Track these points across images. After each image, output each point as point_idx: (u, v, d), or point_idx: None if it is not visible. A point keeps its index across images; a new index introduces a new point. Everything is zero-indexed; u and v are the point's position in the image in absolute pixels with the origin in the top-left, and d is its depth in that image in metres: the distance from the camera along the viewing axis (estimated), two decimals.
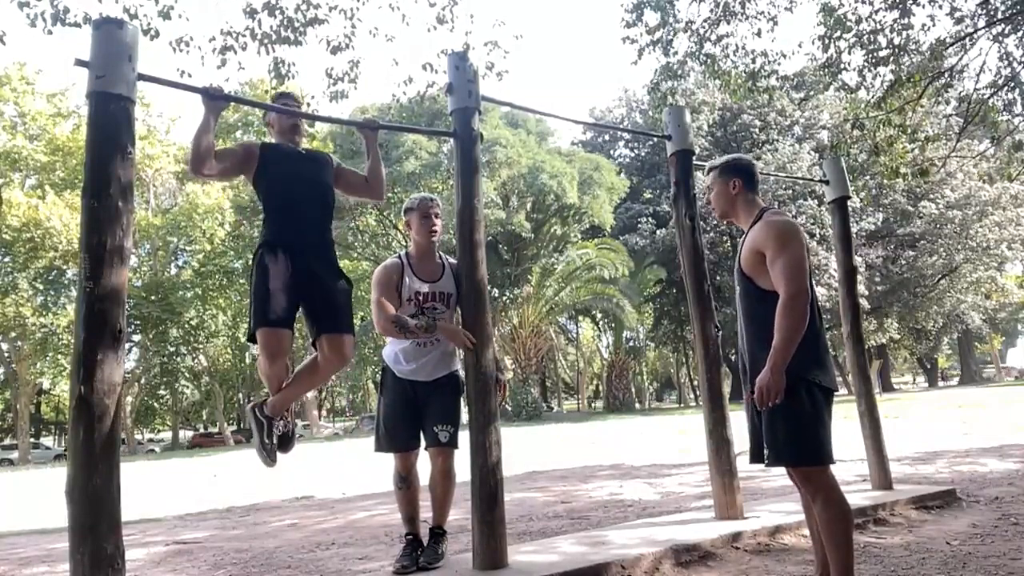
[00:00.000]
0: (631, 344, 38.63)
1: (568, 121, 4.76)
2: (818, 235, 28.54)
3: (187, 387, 39.13)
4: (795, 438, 2.41)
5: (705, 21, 8.61)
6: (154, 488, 11.13)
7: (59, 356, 29.26)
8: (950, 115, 18.06)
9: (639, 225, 33.38)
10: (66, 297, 29.82)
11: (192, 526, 6.03)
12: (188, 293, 32.79)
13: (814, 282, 2.71)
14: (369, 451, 3.88)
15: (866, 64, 8.74)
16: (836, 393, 2.53)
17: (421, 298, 3.24)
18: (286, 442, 3.17)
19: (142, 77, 2.54)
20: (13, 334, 30.04)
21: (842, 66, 8.80)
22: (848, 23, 8.39)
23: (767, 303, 2.47)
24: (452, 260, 3.38)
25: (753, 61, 8.82)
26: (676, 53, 8.75)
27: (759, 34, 8.63)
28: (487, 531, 2.99)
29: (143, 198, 34.15)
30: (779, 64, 8.87)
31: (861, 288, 28.05)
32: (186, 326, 32.64)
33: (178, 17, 6.62)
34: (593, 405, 54.58)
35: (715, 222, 29.38)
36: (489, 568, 2.96)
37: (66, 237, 27.57)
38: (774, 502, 4.57)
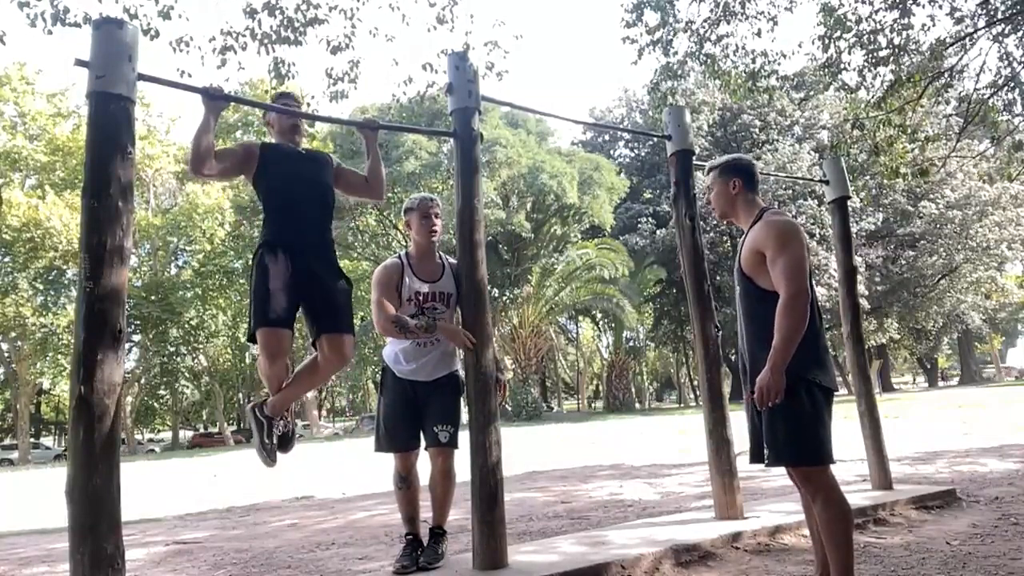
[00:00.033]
0: (631, 344, 38.64)
1: (568, 121, 4.76)
2: (818, 235, 28.54)
3: (187, 387, 39.14)
4: (795, 438, 2.41)
5: (705, 21, 8.61)
6: (154, 488, 11.13)
7: (59, 356, 29.27)
8: (950, 115, 18.06)
9: (639, 225, 33.39)
10: (66, 297, 29.82)
11: (192, 526, 6.02)
12: (188, 293, 32.80)
13: (814, 282, 2.71)
14: (369, 451, 3.88)
15: (866, 64, 8.74)
16: (836, 393, 2.54)
17: (421, 298, 3.24)
18: (286, 442, 3.17)
19: (142, 77, 2.54)
20: (13, 334, 30.05)
21: (842, 66, 8.80)
22: (848, 23, 8.39)
23: (767, 303, 2.47)
24: (452, 260, 3.38)
25: (753, 61, 8.82)
26: (676, 53, 8.75)
27: (759, 34, 8.63)
28: (487, 531, 2.99)
29: (143, 198, 34.15)
30: (779, 64, 8.87)
31: (861, 288, 28.05)
32: (186, 326, 32.65)
33: (178, 17, 6.63)
34: (593, 405, 54.58)
35: (715, 222, 29.38)
36: (489, 568, 2.96)
37: (66, 237, 27.58)
38: (774, 502, 4.57)
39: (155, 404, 41.22)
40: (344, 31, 7.22)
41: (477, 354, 3.11)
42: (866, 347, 6.01)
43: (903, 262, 32.25)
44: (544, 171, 27.35)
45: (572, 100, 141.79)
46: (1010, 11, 8.19)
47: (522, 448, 12.54)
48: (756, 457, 2.60)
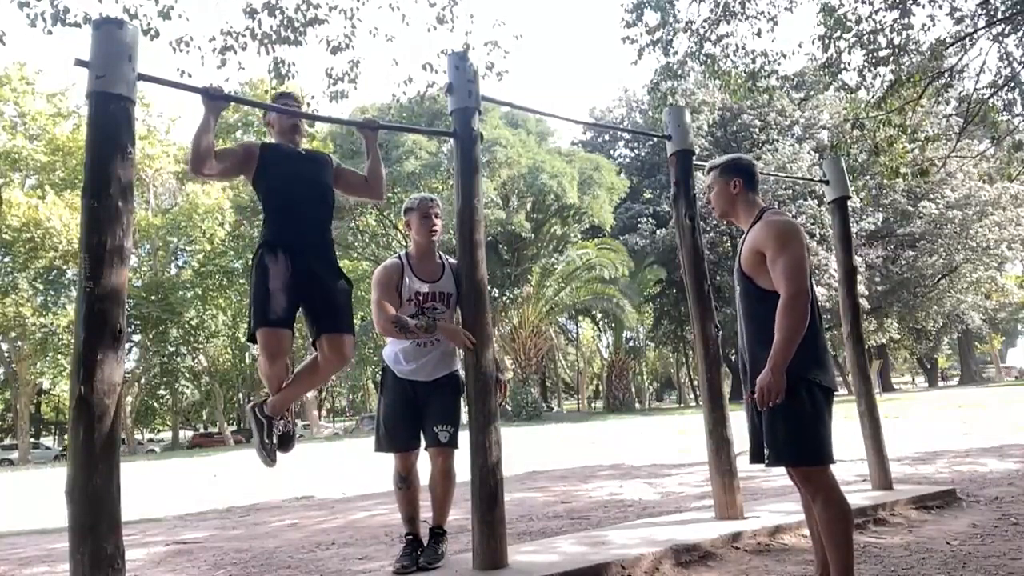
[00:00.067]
0: (631, 344, 38.64)
1: (568, 121, 4.76)
2: (818, 235, 28.54)
3: (187, 387, 39.14)
4: (795, 438, 2.41)
5: (705, 21, 8.61)
6: (154, 488, 11.13)
7: (59, 356, 29.28)
8: (950, 115, 18.06)
9: (639, 225, 33.39)
10: (66, 297, 29.83)
11: (192, 526, 6.02)
12: (188, 293, 32.81)
13: (814, 282, 2.71)
14: (369, 451, 3.88)
15: (866, 64, 8.74)
16: (836, 393, 2.54)
17: (421, 298, 3.24)
18: (286, 442, 3.17)
19: (142, 77, 2.54)
20: (13, 334, 30.05)
21: (842, 66, 8.80)
22: (848, 23, 8.39)
23: (767, 303, 2.47)
24: (452, 260, 3.38)
25: (753, 61, 8.82)
26: (676, 53, 8.75)
27: (759, 34, 8.63)
28: (487, 531, 2.99)
29: (143, 198, 34.16)
30: (779, 64, 8.87)
31: (861, 288, 28.05)
32: (186, 326, 32.65)
33: (178, 17, 6.63)
34: (593, 405, 54.59)
35: (715, 222, 29.39)
36: (489, 568, 2.96)
37: (66, 237, 27.58)
38: (774, 502, 4.57)
39: (155, 404, 41.23)
40: (344, 31, 7.22)
41: (477, 354, 3.11)
42: (866, 347, 6.01)
43: (903, 262, 32.26)
44: (544, 171, 27.35)
45: (572, 100, 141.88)
46: (1010, 11, 8.19)
47: (522, 448, 12.54)
48: (756, 457, 2.60)
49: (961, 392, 27.47)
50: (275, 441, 3.09)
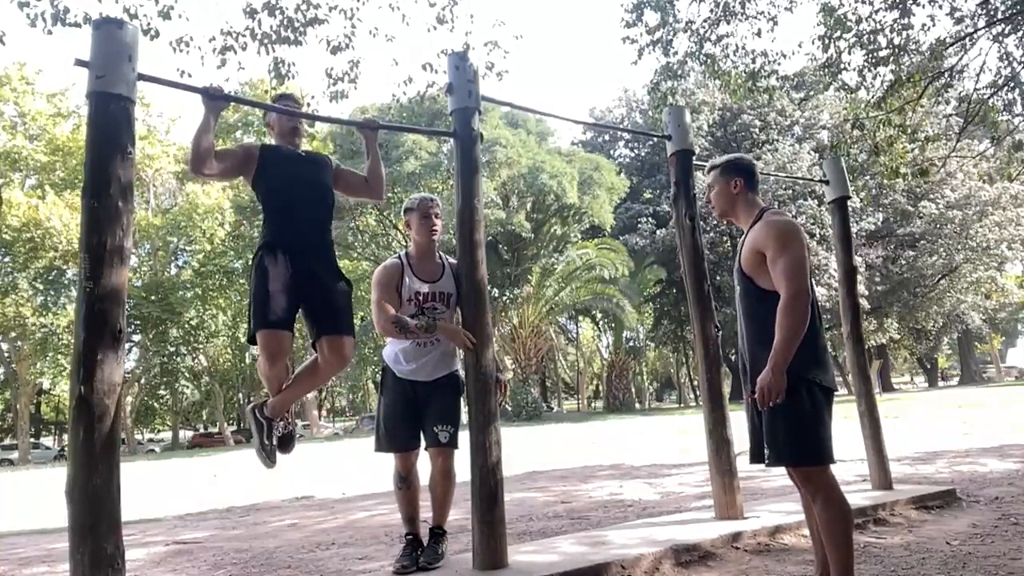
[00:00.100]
0: (631, 344, 38.64)
1: (568, 121, 4.76)
2: (818, 235, 28.55)
3: (187, 387, 39.14)
4: (795, 438, 2.41)
5: (705, 21, 8.61)
6: (154, 488, 11.13)
7: (59, 356, 29.27)
8: (950, 115, 18.06)
9: (639, 225, 33.39)
10: (66, 297, 29.83)
11: (192, 526, 6.03)
12: (188, 293, 32.80)
13: (814, 282, 2.71)
14: (369, 451, 3.88)
15: (866, 64, 8.74)
16: (836, 393, 2.54)
17: (421, 298, 3.24)
18: (287, 443, 3.17)
19: (142, 77, 2.54)
20: (13, 334, 30.05)
21: (842, 66, 8.80)
22: (848, 23, 8.39)
23: (767, 303, 2.47)
24: (452, 260, 3.38)
25: (753, 61, 8.82)
26: (676, 53, 8.75)
27: (759, 34, 8.63)
28: (487, 531, 2.99)
29: (143, 198, 34.16)
30: (779, 64, 8.87)
31: (861, 288, 28.05)
32: (186, 326, 32.65)
33: (178, 17, 6.63)
34: (593, 405, 54.59)
35: (715, 222, 29.38)
36: (489, 568, 2.96)
37: (66, 237, 27.58)
38: (774, 502, 4.57)
39: (155, 404, 41.22)
40: (344, 31, 7.22)
41: (477, 354, 3.11)
42: (866, 347, 6.01)
43: (903, 262, 32.26)
44: (544, 171, 27.36)
45: (572, 100, 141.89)
46: (1010, 11, 8.19)
47: (522, 448, 12.54)
48: (756, 457, 2.60)
49: (961, 392, 27.47)
50: (275, 442, 3.09)
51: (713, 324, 4.08)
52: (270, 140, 3.28)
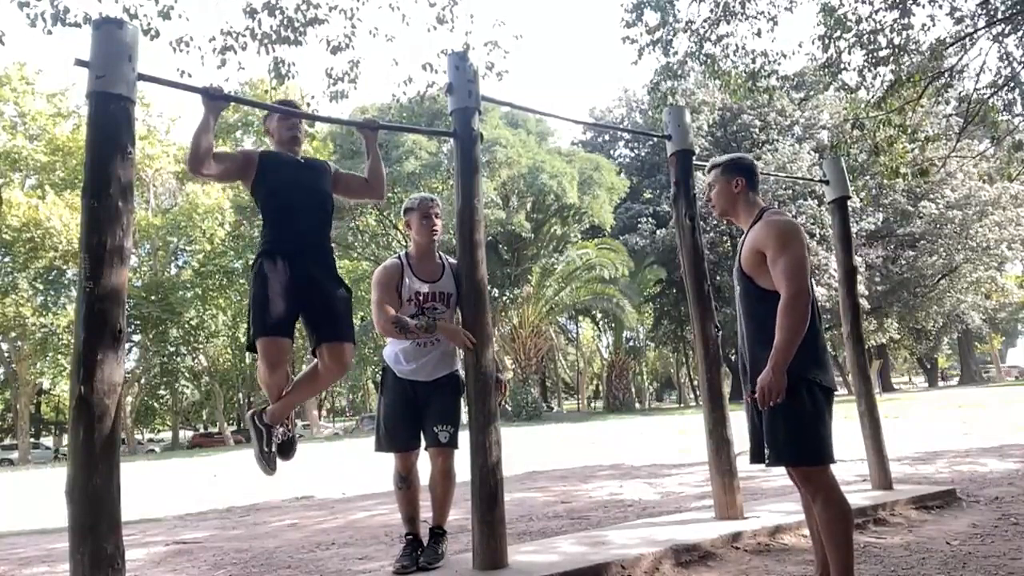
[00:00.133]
0: (631, 344, 38.64)
1: (568, 121, 4.76)
2: (818, 235, 28.55)
3: (187, 387, 39.14)
4: (796, 438, 2.41)
5: (705, 21, 8.61)
6: (154, 488, 11.13)
7: (59, 356, 29.27)
8: (950, 115, 18.07)
9: (639, 225, 33.39)
10: (66, 297, 29.82)
11: (192, 526, 6.03)
12: (188, 293, 32.80)
13: (814, 282, 2.71)
14: (369, 451, 3.88)
15: (866, 64, 8.74)
16: (836, 393, 2.54)
17: (421, 298, 3.24)
18: (287, 449, 3.15)
19: (142, 77, 2.54)
20: (13, 334, 30.06)
21: (842, 66, 8.80)
22: (848, 23, 8.39)
23: (767, 303, 2.47)
24: (452, 260, 3.38)
25: (753, 61, 8.82)
26: (676, 53, 8.75)
27: (759, 34, 8.63)
28: (487, 531, 2.99)
29: (143, 198, 34.16)
30: (779, 64, 8.87)
31: (861, 288, 28.06)
32: (186, 326, 32.65)
33: (178, 17, 6.63)
34: (593, 405, 54.59)
35: (715, 222, 29.39)
36: (489, 568, 2.96)
37: (66, 237, 27.58)
38: (774, 502, 4.57)
39: (155, 404, 41.23)
40: (344, 31, 7.22)
41: (477, 354, 3.11)
42: (866, 347, 6.00)
43: (903, 262, 32.26)
44: (544, 171, 27.36)
45: (572, 100, 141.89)
46: (1010, 11, 8.19)
47: (522, 448, 12.54)
48: (756, 457, 2.60)
49: (961, 392, 27.47)
50: (274, 449, 3.07)
51: (713, 324, 4.08)
52: (270, 146, 3.28)
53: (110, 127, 2.39)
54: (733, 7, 8.48)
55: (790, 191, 30.38)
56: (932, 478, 5.67)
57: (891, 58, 8.57)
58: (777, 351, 2.36)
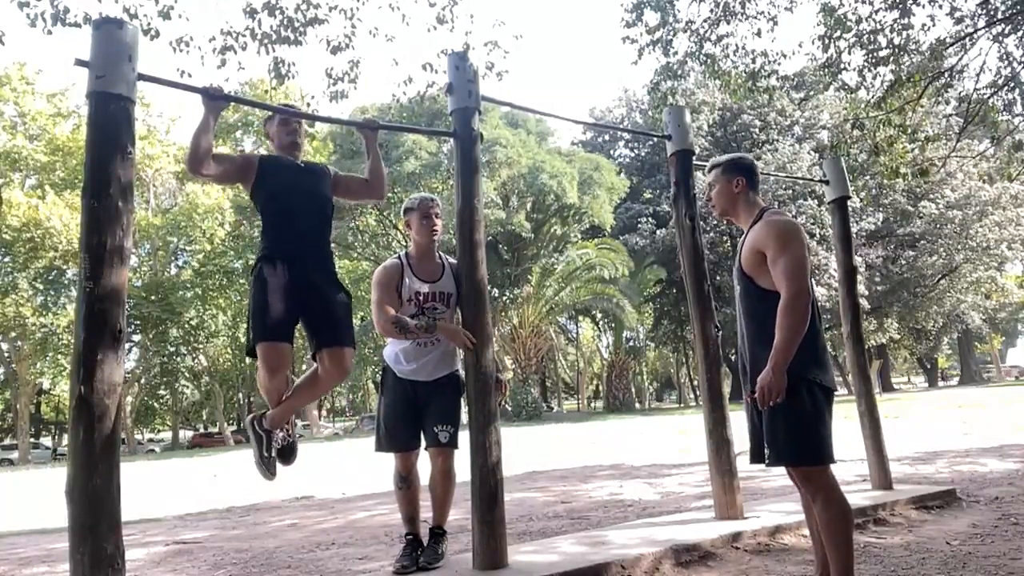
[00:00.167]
0: (631, 344, 38.64)
1: (568, 121, 4.77)
2: (818, 235, 28.55)
3: (187, 387, 39.14)
4: (796, 438, 2.41)
5: (705, 21, 8.61)
6: (154, 488, 11.13)
7: (59, 356, 29.27)
8: (950, 115, 18.07)
9: (639, 225, 33.39)
10: (66, 297, 29.82)
11: (192, 526, 6.03)
12: (188, 293, 32.79)
13: (814, 282, 2.72)
14: (369, 451, 3.88)
15: (866, 64, 8.74)
16: (836, 393, 2.54)
17: (421, 298, 3.24)
18: (287, 454, 3.14)
19: (142, 77, 2.54)
20: (13, 334, 30.06)
21: (842, 66, 8.81)
22: (848, 23, 8.39)
23: (767, 302, 2.47)
24: (452, 260, 3.38)
25: (753, 61, 8.82)
26: (676, 53, 8.75)
27: (759, 34, 8.63)
28: (487, 531, 2.99)
29: (143, 198, 34.16)
30: (779, 64, 8.87)
31: (861, 288, 28.06)
32: (186, 326, 32.64)
33: (178, 17, 6.63)
34: (593, 405, 54.59)
35: (715, 222, 29.40)
36: (489, 568, 2.96)
37: (66, 237, 27.58)
38: (774, 502, 4.57)
39: (155, 404, 41.22)
40: (344, 31, 7.23)
41: (477, 354, 3.11)
42: (866, 347, 6.00)
43: (903, 262, 32.27)
44: (544, 171, 27.35)
45: (572, 100, 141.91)
46: (1010, 11, 8.19)
47: (522, 448, 12.54)
48: (756, 457, 2.60)
49: (961, 392, 27.47)
50: (274, 454, 3.06)
51: (713, 324, 4.08)
52: (271, 149, 3.28)
53: (110, 127, 2.39)
54: (733, 7, 8.48)
55: (790, 191, 30.38)
56: (932, 478, 5.67)
57: (891, 58, 8.57)
58: (777, 351, 2.36)
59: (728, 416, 3.99)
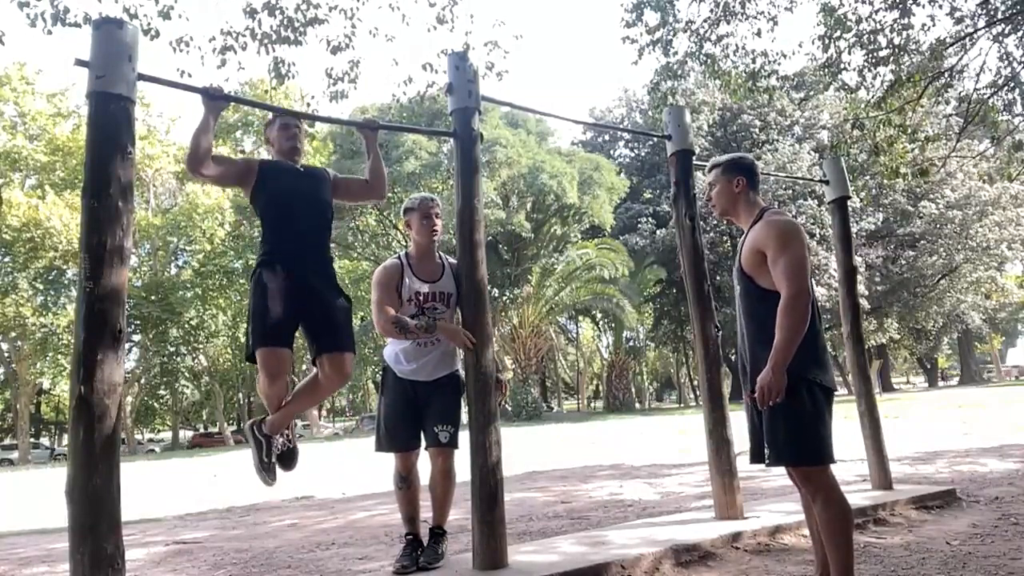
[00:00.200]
0: (631, 344, 38.64)
1: (568, 121, 4.77)
2: (818, 235, 28.55)
3: (187, 387, 39.14)
4: (796, 438, 2.41)
5: (705, 21, 8.61)
6: (154, 488, 11.13)
7: (59, 356, 29.27)
8: (950, 115, 18.07)
9: (639, 225, 33.39)
10: (66, 297, 29.83)
11: (192, 526, 6.03)
12: (188, 293, 32.79)
13: (814, 282, 2.72)
14: (369, 451, 3.88)
15: (866, 64, 8.74)
16: (836, 393, 2.54)
17: (421, 298, 3.24)
18: (288, 459, 3.12)
19: (142, 77, 2.54)
20: (13, 334, 30.06)
21: (842, 66, 8.81)
22: (848, 23, 8.39)
23: (767, 302, 2.47)
24: (452, 260, 3.38)
25: (753, 61, 8.82)
26: (676, 53, 8.75)
27: (759, 34, 8.63)
28: (487, 531, 2.99)
29: (143, 198, 34.15)
30: (779, 64, 8.87)
31: (861, 288, 28.06)
32: (186, 326, 32.64)
33: (178, 17, 6.63)
34: (593, 405, 54.59)
35: (715, 222, 29.40)
36: (489, 568, 2.96)
37: (66, 237, 27.58)
38: (774, 502, 4.57)
39: (155, 404, 41.22)
40: (344, 31, 7.22)
41: (477, 354, 3.11)
42: (866, 347, 6.01)
43: (903, 262, 32.26)
44: (544, 171, 27.35)
45: (572, 100, 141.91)
46: (1010, 11, 8.19)
47: (522, 448, 12.54)
48: (756, 457, 2.60)
49: (961, 392, 27.47)
50: (274, 460, 3.05)
51: (713, 324, 4.08)
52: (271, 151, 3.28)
53: (110, 127, 2.39)
54: (733, 7, 8.48)
55: (790, 191, 30.38)
56: (932, 478, 5.67)
57: (891, 58, 8.57)
58: (777, 351, 2.36)
59: (728, 416, 3.99)
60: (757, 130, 34.69)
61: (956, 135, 11.28)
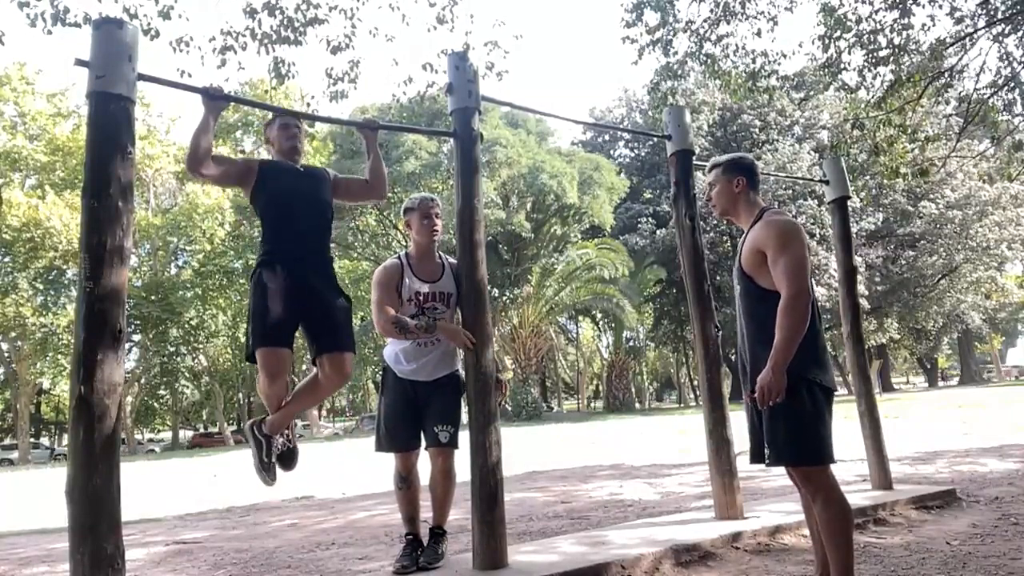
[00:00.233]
0: (631, 344, 38.64)
1: (568, 121, 4.77)
2: (818, 235, 28.55)
3: (187, 387, 39.14)
4: (796, 438, 2.41)
5: (705, 21, 8.61)
6: (154, 488, 11.13)
7: (59, 356, 29.27)
8: (950, 115, 18.08)
9: (639, 225, 33.39)
10: (66, 297, 29.82)
11: (192, 526, 6.03)
12: (188, 293, 32.78)
13: (814, 282, 2.71)
14: (369, 451, 3.88)
15: (866, 64, 8.74)
16: (836, 393, 2.54)
17: (421, 298, 3.24)
18: (288, 459, 3.12)
19: (142, 77, 2.54)
20: (13, 334, 30.06)
21: (842, 66, 8.81)
22: (848, 23, 8.39)
23: (767, 302, 2.47)
24: (452, 260, 3.38)
25: (753, 61, 8.82)
26: (676, 53, 8.75)
27: (759, 34, 8.63)
28: (487, 531, 2.99)
29: (143, 198, 34.15)
30: (779, 64, 8.87)
31: (861, 288, 28.06)
32: (186, 326, 32.64)
33: (178, 17, 6.63)
34: (593, 405, 54.59)
35: (715, 222, 29.40)
36: (489, 568, 2.96)
37: (66, 237, 27.58)
38: (774, 502, 4.57)
39: (155, 404, 41.22)
40: (344, 31, 7.23)
41: (477, 354, 3.11)
42: (866, 347, 6.01)
43: (903, 262, 32.26)
44: (544, 171, 27.35)
45: (572, 100, 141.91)
46: (1010, 11, 8.19)
47: (522, 448, 12.54)
48: (756, 457, 2.60)
49: (961, 392, 27.47)
50: (273, 460, 3.05)
51: (713, 324, 4.08)
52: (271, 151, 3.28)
53: (110, 127, 2.39)
54: (733, 7, 8.48)
55: (790, 191, 30.38)
56: (932, 478, 5.67)
57: (891, 58, 8.57)
58: (777, 351, 2.36)
59: (728, 416, 3.99)
60: (757, 130, 34.69)
61: (956, 135, 11.28)
